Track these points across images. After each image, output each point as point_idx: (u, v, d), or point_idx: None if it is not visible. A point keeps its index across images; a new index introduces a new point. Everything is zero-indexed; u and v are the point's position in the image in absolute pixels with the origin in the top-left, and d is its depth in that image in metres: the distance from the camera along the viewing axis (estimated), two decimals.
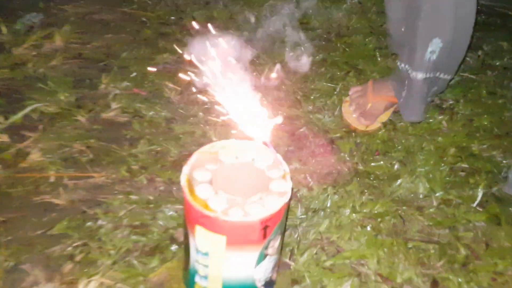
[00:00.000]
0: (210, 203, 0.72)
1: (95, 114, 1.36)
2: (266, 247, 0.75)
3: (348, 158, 1.29)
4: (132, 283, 0.97)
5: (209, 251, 0.74)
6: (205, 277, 0.78)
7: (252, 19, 1.66)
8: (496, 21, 1.91)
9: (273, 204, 0.72)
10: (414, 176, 1.23)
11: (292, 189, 0.77)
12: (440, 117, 1.41)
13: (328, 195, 1.17)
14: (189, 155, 1.18)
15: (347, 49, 1.65)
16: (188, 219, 0.74)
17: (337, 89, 1.48)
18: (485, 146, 1.35)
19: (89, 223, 1.08)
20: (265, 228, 0.71)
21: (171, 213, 1.11)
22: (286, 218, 0.82)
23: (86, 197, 1.15)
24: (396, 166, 1.27)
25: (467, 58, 1.67)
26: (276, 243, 0.77)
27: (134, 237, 1.06)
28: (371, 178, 1.24)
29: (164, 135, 1.30)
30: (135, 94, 1.41)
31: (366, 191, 1.20)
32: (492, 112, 1.47)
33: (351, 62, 1.59)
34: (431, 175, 1.24)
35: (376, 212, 1.15)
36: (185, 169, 0.76)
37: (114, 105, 1.38)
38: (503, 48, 1.75)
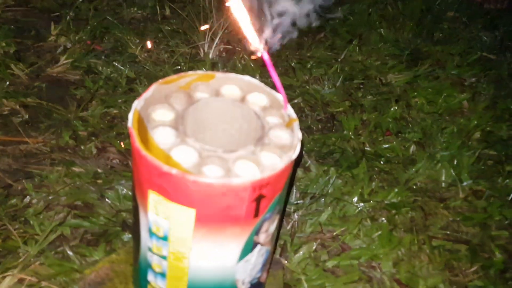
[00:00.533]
0: (173, 154, 0.45)
1: (38, 68, 1.08)
2: (257, 231, 0.49)
3: (352, 137, 1.04)
4: (63, 281, 0.70)
5: (168, 233, 0.47)
6: (162, 275, 0.51)
7: None
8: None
9: (273, 162, 0.46)
10: (434, 161, 0.99)
11: (302, 142, 0.52)
12: (461, 95, 1.17)
13: (329, 178, 0.91)
14: None
15: (348, 17, 1.40)
16: (137, 183, 0.47)
17: (340, 58, 1.23)
18: None
19: (13, 201, 0.81)
20: (258, 198, 0.45)
21: (125, 191, 0.84)
22: (290, 187, 0.57)
23: (13, 167, 0.87)
24: (412, 149, 1.03)
25: (484, 37, 1.45)
26: (272, 226, 0.51)
27: (73, 221, 0.80)
28: (382, 162, 0.99)
29: (123, 96, 1.02)
30: (91, 49, 1.14)
31: (375, 176, 0.96)
32: None
33: (353, 31, 1.35)
34: (455, 161, 0.99)
35: (390, 202, 0.90)
36: (137, 104, 0.49)
37: (63, 60, 1.10)
38: None
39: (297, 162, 0.49)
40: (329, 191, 0.90)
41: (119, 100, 1.01)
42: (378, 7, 1.45)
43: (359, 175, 0.94)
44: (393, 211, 0.89)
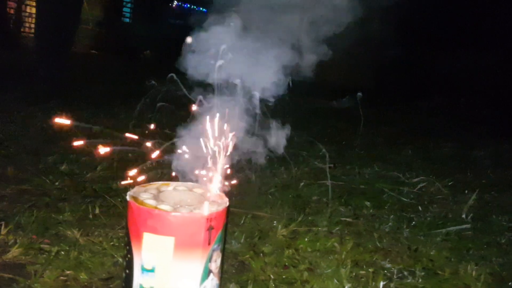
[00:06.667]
0: (158, 206, 0.76)
1: None
2: (209, 259, 0.77)
3: (261, 271, 1.34)
4: None
5: (156, 264, 0.74)
6: None
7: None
8: (356, 189, 2.28)
9: (215, 208, 0.79)
10: (322, 277, 1.32)
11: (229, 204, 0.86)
12: (332, 239, 1.57)
13: None
14: (105, 278, 1.18)
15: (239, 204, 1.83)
16: (133, 232, 0.76)
17: (242, 221, 1.60)
18: (375, 259, 1.51)
19: None
20: (210, 228, 0.76)
21: None
22: (225, 233, 0.87)
23: None
24: (305, 274, 1.35)
25: (341, 209, 1.94)
26: (218, 259, 0.80)
27: None
28: (286, 285, 1.29)
29: (73, 262, 1.25)
30: (37, 241, 1.38)
31: None
32: (374, 242, 1.67)
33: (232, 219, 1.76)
34: (337, 274, 1.33)
35: None
36: (129, 192, 0.81)
37: (14, 249, 1.31)
38: (367, 206, 2.06)
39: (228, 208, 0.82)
40: None
41: (69, 266, 1.23)
42: (260, 198, 1.91)
43: None
44: None
